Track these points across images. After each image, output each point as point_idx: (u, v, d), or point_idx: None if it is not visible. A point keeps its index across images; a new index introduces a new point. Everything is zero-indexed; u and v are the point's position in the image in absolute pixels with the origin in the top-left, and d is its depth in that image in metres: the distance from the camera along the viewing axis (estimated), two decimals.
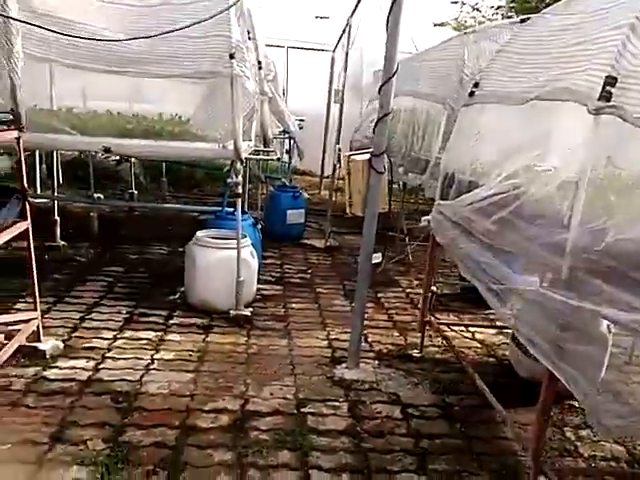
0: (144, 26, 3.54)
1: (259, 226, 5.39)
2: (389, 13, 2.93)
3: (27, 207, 2.96)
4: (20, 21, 2.79)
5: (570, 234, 2.03)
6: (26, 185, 2.95)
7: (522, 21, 4.01)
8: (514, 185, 2.57)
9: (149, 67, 3.61)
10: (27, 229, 2.99)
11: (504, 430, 3.00)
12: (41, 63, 3.75)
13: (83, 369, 3.20)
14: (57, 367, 3.20)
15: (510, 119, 2.92)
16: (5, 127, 2.82)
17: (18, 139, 2.89)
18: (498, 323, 4.49)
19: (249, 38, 4.10)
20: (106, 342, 3.59)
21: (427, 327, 3.86)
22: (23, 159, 2.98)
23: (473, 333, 4.32)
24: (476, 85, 3.30)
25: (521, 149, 2.74)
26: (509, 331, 4.09)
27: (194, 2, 3.54)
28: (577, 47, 2.39)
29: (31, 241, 3.06)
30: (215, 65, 3.59)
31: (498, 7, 13.51)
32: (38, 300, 3.23)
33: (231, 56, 3.53)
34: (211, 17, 2.70)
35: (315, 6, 11.82)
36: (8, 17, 2.68)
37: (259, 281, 4.68)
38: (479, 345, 4.13)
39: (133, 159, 7.01)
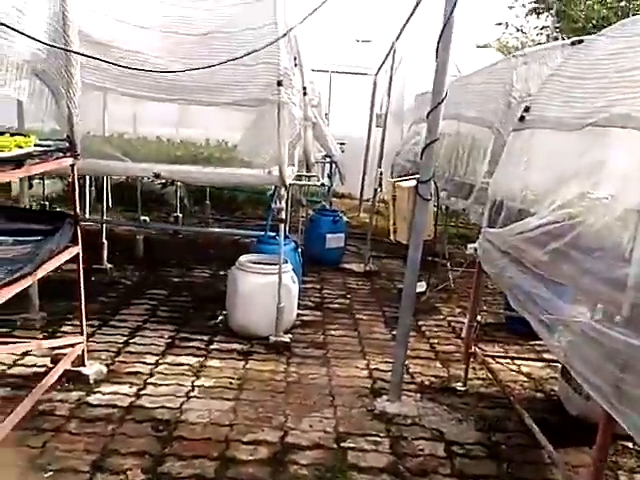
0: (196, 54, 3.62)
1: (300, 250, 5.37)
2: (439, 39, 2.89)
3: (78, 232, 3.02)
4: (81, 54, 2.88)
5: (632, 268, 1.91)
6: (78, 210, 3.02)
7: (573, 43, 3.90)
8: (569, 214, 2.46)
9: (200, 95, 3.68)
10: (78, 254, 3.04)
11: (554, 472, 2.85)
12: (96, 91, 3.86)
13: (125, 395, 3.21)
14: (100, 392, 3.22)
15: (563, 145, 2.81)
16: (61, 154, 2.89)
17: (73, 166, 2.97)
18: (546, 356, 4.31)
19: (295, 64, 4.14)
20: (148, 367, 3.60)
21: (471, 359, 3.73)
22: (76, 183, 3.07)
23: (519, 366, 4.15)
24: (527, 110, 3.21)
25: (575, 176, 2.63)
26: (558, 365, 3.91)
27: (244, 30, 3.60)
28: (636, 71, 2.29)
29: (81, 266, 3.12)
30: (263, 92, 3.63)
31: (542, 27, 13.34)
32: (85, 325, 3.27)
33: (279, 83, 3.57)
34: (263, 47, 2.72)
35: (356, 30, 11.95)
36: (70, 50, 2.76)
37: (299, 306, 4.64)
38: (526, 379, 3.96)
39: (178, 183, 7.15)
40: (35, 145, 2.77)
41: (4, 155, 2.44)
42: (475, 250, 3.42)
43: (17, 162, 2.53)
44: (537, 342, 4.50)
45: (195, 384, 3.43)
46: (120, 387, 3.30)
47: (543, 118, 2.99)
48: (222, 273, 5.86)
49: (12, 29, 2.35)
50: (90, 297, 4.22)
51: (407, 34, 5.95)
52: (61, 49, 2.76)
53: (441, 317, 5.17)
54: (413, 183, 3.42)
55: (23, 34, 2.44)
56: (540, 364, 4.18)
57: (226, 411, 3.14)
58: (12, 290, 2.43)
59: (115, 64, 2.94)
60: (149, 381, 3.42)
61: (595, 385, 2.05)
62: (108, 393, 3.22)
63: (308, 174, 5.49)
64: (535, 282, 2.66)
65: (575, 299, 2.71)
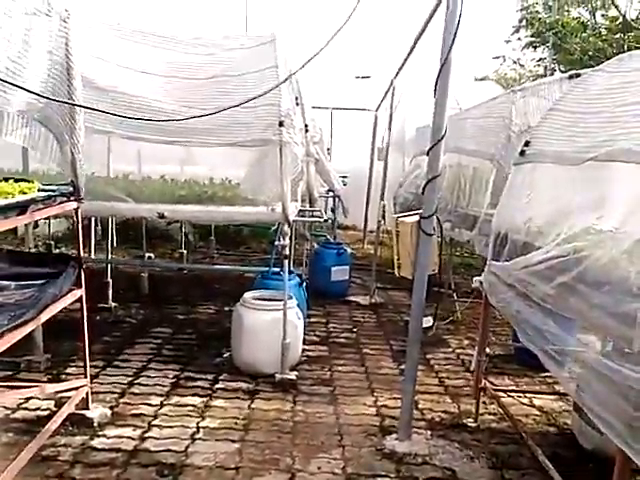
0: (198, 98, 3.70)
1: (304, 285, 5.35)
2: (437, 78, 2.94)
3: (82, 275, 3.02)
4: (84, 107, 2.93)
5: None
6: (82, 253, 3.03)
7: (570, 77, 3.98)
8: (574, 248, 2.45)
9: (202, 137, 3.74)
10: (81, 296, 3.04)
11: None
12: (99, 134, 3.93)
13: (129, 438, 3.16)
14: (104, 435, 3.17)
15: (565, 179, 2.83)
16: (65, 199, 2.92)
17: (77, 210, 3.00)
18: (558, 388, 4.23)
19: (297, 104, 4.21)
20: (153, 409, 3.55)
21: (482, 393, 3.66)
22: (80, 226, 3.09)
23: (531, 399, 4.07)
24: (527, 144, 3.24)
25: (579, 210, 2.63)
26: (570, 398, 3.84)
27: (245, 74, 3.67)
28: (636, 106, 2.32)
29: (84, 309, 3.11)
30: (265, 133, 3.68)
31: (540, 59, 13.59)
32: (88, 367, 3.24)
33: (280, 124, 3.63)
34: (266, 92, 2.77)
35: (356, 66, 12.20)
36: (75, 104, 2.82)
37: (304, 341, 4.61)
38: (538, 412, 3.88)
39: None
40: (39, 190, 2.80)
41: (8, 202, 2.47)
42: (481, 283, 3.41)
43: (21, 208, 2.56)
44: (548, 374, 4.43)
45: (200, 425, 3.37)
46: (124, 430, 3.25)
47: (544, 152, 3.01)
48: (227, 309, 5.84)
49: (13, 85, 2.40)
50: (94, 337, 4.20)
51: (406, 68, 6.05)
52: (64, 103, 2.81)
53: (449, 350, 5.11)
54: (416, 218, 3.42)
55: (25, 89, 2.49)
56: (552, 397, 4.10)
57: (232, 453, 3.07)
58: (15, 336, 2.42)
59: (120, 116, 3.00)
60: (153, 423, 3.36)
61: (607, 422, 2.01)
62: (112, 437, 3.17)
63: (312, 209, 5.53)
64: (542, 316, 2.63)
65: (583, 332, 2.69)
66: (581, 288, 2.32)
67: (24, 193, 2.66)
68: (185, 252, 7.67)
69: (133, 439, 3.15)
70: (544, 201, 3.04)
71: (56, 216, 6.37)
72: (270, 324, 4.07)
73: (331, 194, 7.34)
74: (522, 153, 3.25)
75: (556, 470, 2.79)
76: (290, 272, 4.66)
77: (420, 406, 3.81)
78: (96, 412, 3.30)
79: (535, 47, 12.66)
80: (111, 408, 3.48)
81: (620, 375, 1.91)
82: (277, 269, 4.83)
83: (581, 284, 2.33)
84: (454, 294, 6.17)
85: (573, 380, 2.38)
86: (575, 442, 3.34)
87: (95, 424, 3.25)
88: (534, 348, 2.65)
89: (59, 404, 3.24)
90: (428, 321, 3.51)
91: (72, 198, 3.00)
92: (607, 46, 10.04)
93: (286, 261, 4.15)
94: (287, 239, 4.13)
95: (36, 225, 6.53)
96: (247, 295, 4.31)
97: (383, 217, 6.77)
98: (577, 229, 2.51)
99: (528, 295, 2.76)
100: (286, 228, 4.08)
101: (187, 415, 3.50)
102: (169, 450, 3.06)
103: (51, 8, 2.81)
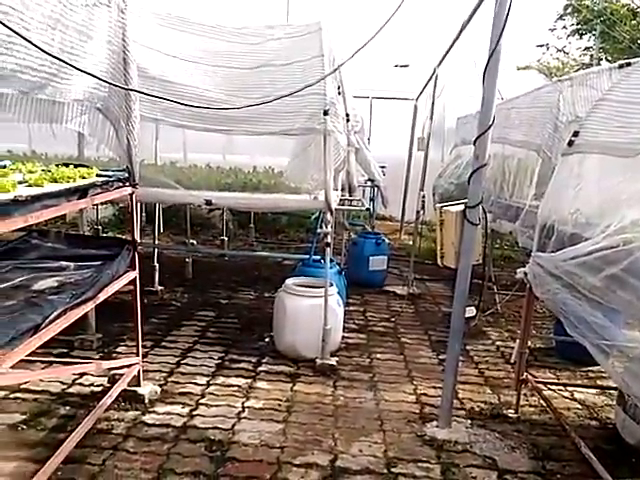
0: (245, 86, 3.77)
1: (343, 273, 5.41)
2: (486, 66, 2.93)
3: (136, 258, 3.16)
4: (142, 92, 3.05)
5: None
6: (137, 237, 3.16)
7: (621, 66, 3.87)
8: (625, 240, 2.43)
9: (248, 126, 3.81)
10: (135, 278, 3.18)
11: None
12: (148, 122, 4.05)
13: (179, 415, 3.30)
14: (155, 412, 3.31)
15: (615, 170, 2.79)
16: (121, 184, 3.05)
17: (132, 195, 3.12)
18: (600, 382, 4.19)
19: (339, 93, 4.24)
20: (199, 388, 3.68)
21: (522, 385, 3.66)
22: (135, 210, 3.22)
23: (572, 392, 4.03)
24: (576, 134, 3.20)
25: (629, 202, 2.60)
26: (613, 392, 3.79)
27: (291, 63, 3.73)
28: None
29: (138, 290, 3.25)
30: (310, 121, 3.73)
31: (586, 48, 13.18)
32: (140, 346, 3.39)
33: (325, 113, 3.67)
34: (315, 82, 2.82)
35: (394, 55, 12.10)
36: (132, 90, 2.93)
37: (343, 329, 4.67)
38: (579, 406, 3.84)
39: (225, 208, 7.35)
40: (97, 175, 2.93)
41: (70, 186, 2.59)
42: (525, 274, 3.39)
43: (82, 192, 2.69)
44: (590, 368, 4.38)
45: (245, 405, 3.49)
46: (173, 407, 3.39)
47: (593, 143, 2.97)
48: (267, 295, 5.98)
49: (82, 71, 2.51)
50: (143, 319, 4.36)
51: (449, 57, 5.99)
52: (124, 89, 2.92)
53: (489, 342, 5.09)
54: (460, 208, 3.43)
55: (89, 74, 2.60)
56: (594, 391, 4.06)
57: (276, 433, 3.17)
58: (76, 314, 2.56)
59: (175, 101, 3.08)
60: (201, 402, 3.49)
61: None
62: (162, 413, 3.31)
63: (351, 198, 5.56)
64: (590, 308, 2.62)
65: (628, 327, 2.67)
66: (630, 280, 2.31)
67: (84, 178, 2.80)
68: (226, 239, 7.83)
69: (182, 416, 3.29)
70: (592, 192, 3.01)
71: (110, 201, 6.62)
72: (311, 310, 4.15)
73: (371, 184, 7.34)
74: (570, 143, 3.21)
75: (598, 462, 2.78)
76: (331, 260, 4.72)
77: (460, 396, 3.83)
78: (147, 389, 3.44)
79: (581, 35, 12.28)
80: (160, 386, 3.62)
81: None
82: (317, 257, 4.90)
83: (630, 276, 2.31)
84: (494, 286, 6.12)
85: (621, 372, 2.38)
86: (618, 436, 3.30)
87: (146, 400, 3.39)
88: (582, 340, 2.64)
89: (112, 381, 3.41)
90: (471, 311, 3.51)
91: (127, 184, 3.12)
92: None
93: (328, 249, 4.20)
94: (329, 227, 4.18)
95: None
96: (289, 281, 4.40)
97: (422, 207, 6.74)
98: (627, 221, 2.49)
99: (575, 287, 2.75)
100: (328, 216, 4.13)
101: (232, 395, 3.61)
102: (216, 428, 3.18)
103: None
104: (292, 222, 9.50)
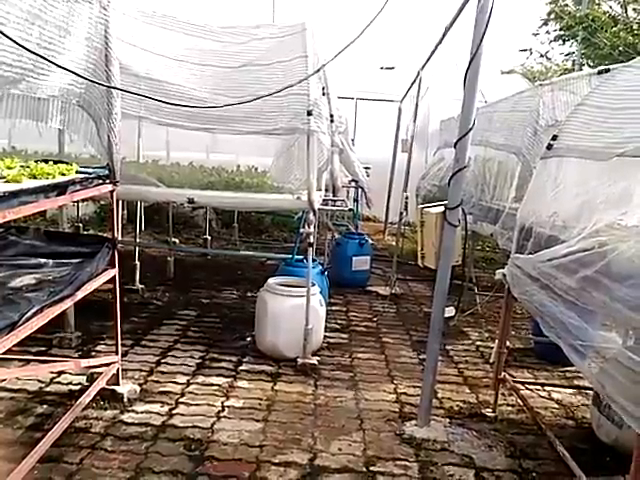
0: (229, 86, 3.77)
1: (326, 273, 5.43)
2: (467, 70, 2.97)
3: (116, 255, 3.14)
4: (122, 90, 3.04)
5: None
6: (117, 235, 3.14)
7: (600, 72, 3.95)
8: (599, 242, 2.48)
9: (232, 125, 3.81)
10: (115, 276, 3.16)
11: None
12: (131, 120, 4.03)
13: (158, 414, 3.28)
14: (134, 411, 3.29)
15: (592, 174, 2.84)
16: (101, 181, 3.03)
17: (112, 192, 3.10)
18: (577, 382, 4.26)
19: (323, 93, 4.26)
20: (179, 387, 3.67)
21: (501, 385, 3.71)
22: (115, 208, 3.20)
23: (549, 392, 4.10)
24: (554, 138, 3.25)
25: (605, 205, 2.65)
26: (589, 392, 3.86)
27: (275, 63, 3.73)
28: None
29: (117, 288, 3.23)
30: (293, 121, 3.74)
31: (568, 54, 13.38)
32: (120, 344, 3.37)
33: (309, 113, 3.68)
34: (298, 82, 2.83)
35: (380, 57, 12.17)
36: (113, 87, 2.91)
37: (325, 329, 4.68)
38: (556, 406, 3.91)
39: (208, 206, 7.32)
40: (77, 172, 2.91)
41: (49, 182, 2.57)
42: (504, 276, 3.44)
43: (61, 189, 2.66)
44: (567, 368, 4.45)
45: (225, 404, 3.48)
46: (153, 406, 3.37)
47: (571, 147, 3.02)
48: (249, 294, 5.97)
49: (59, 66, 2.49)
50: (123, 317, 4.34)
51: (434, 60, 6.04)
52: (105, 86, 2.91)
53: (469, 342, 5.14)
54: (441, 209, 3.46)
55: (66, 69, 2.58)
56: (570, 391, 4.13)
57: (256, 432, 3.18)
58: (54, 311, 2.53)
59: (157, 99, 3.08)
60: (181, 401, 3.48)
61: (629, 412, 2.05)
62: (141, 412, 3.29)
63: (335, 198, 5.58)
64: (566, 309, 2.66)
65: (603, 328, 2.71)
66: (604, 281, 2.36)
67: (63, 174, 2.77)
68: (209, 238, 7.80)
69: (161, 415, 3.27)
70: (570, 195, 3.06)
71: (91, 198, 6.56)
72: (293, 310, 4.16)
73: (354, 184, 7.37)
74: (549, 147, 3.26)
75: (573, 461, 2.83)
76: (313, 260, 4.73)
77: (439, 395, 3.87)
78: (126, 388, 3.42)
79: (564, 41, 12.46)
80: (140, 385, 3.60)
81: None
82: (300, 257, 4.91)
83: (605, 277, 2.36)
84: (475, 287, 6.19)
85: (595, 372, 2.42)
86: (593, 436, 3.36)
87: (125, 399, 3.37)
88: (557, 340, 2.68)
89: (91, 379, 3.38)
90: (450, 311, 3.55)
91: (108, 181, 3.10)
92: (638, 41, 9.84)
93: (310, 249, 4.22)
94: (312, 227, 4.19)
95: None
96: (271, 281, 4.40)
97: (405, 209, 6.78)
98: (602, 224, 2.54)
99: (552, 288, 2.80)
100: (311, 216, 4.14)
101: (212, 394, 3.61)
102: (196, 427, 3.17)
103: None
104: (276, 222, 9.50)
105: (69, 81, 2.79)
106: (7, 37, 1.99)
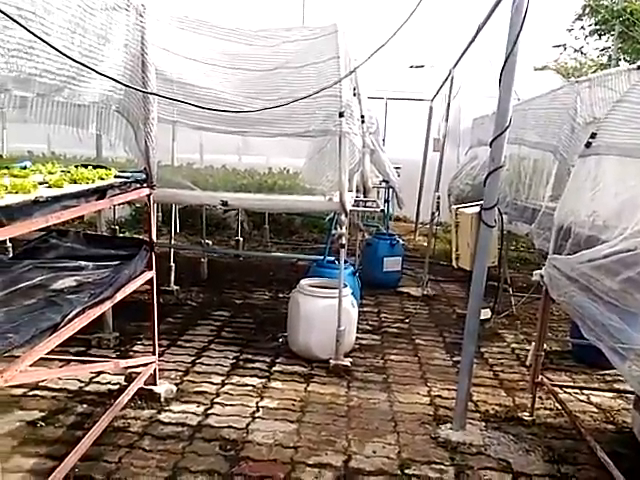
0: (262, 89, 3.80)
1: (357, 274, 5.42)
2: (502, 69, 2.92)
3: (153, 258, 3.20)
4: (159, 95, 3.10)
5: None
6: (154, 238, 3.20)
7: (639, 67, 3.84)
8: None
9: (264, 127, 3.84)
10: (152, 278, 3.22)
11: None
12: (166, 124, 4.09)
13: (194, 414, 3.33)
14: (170, 410, 3.36)
15: (633, 172, 2.76)
16: (139, 185, 3.09)
17: (149, 196, 3.17)
18: (617, 386, 4.14)
19: (354, 94, 4.25)
20: (215, 387, 3.72)
21: (538, 388, 3.63)
22: (153, 211, 3.26)
23: (588, 396, 4.00)
24: (593, 136, 3.17)
25: None
26: (630, 396, 3.75)
27: (307, 65, 3.74)
28: None
29: (154, 289, 3.29)
30: (325, 123, 3.74)
31: (604, 49, 13.03)
32: (157, 345, 3.43)
33: (340, 114, 3.68)
34: (332, 85, 2.83)
35: (409, 56, 12.09)
36: (151, 93, 2.97)
37: (357, 330, 4.67)
38: (596, 410, 3.81)
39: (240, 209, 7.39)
40: (115, 177, 2.98)
41: (89, 187, 2.63)
42: (541, 277, 3.37)
43: (101, 193, 2.73)
44: (607, 372, 4.34)
45: (259, 405, 3.51)
46: (189, 406, 3.42)
47: (611, 145, 2.94)
48: (281, 295, 6.01)
49: (100, 74, 2.55)
50: (159, 318, 4.41)
51: (463, 59, 5.97)
52: (143, 92, 2.97)
53: (504, 344, 5.06)
54: (476, 209, 3.42)
55: (107, 76, 2.64)
56: (610, 394, 4.03)
57: (290, 433, 3.19)
58: (95, 313, 2.60)
59: (191, 104, 3.13)
60: (216, 401, 3.53)
61: None
62: (178, 412, 3.35)
63: (366, 199, 5.56)
64: (607, 310, 2.60)
65: None
66: None
67: (102, 179, 2.84)
68: (241, 240, 7.88)
69: (197, 415, 3.32)
70: (610, 194, 2.98)
71: (128, 202, 6.71)
72: (325, 311, 4.16)
73: (386, 185, 7.33)
74: (588, 145, 3.18)
75: (615, 467, 2.76)
76: (345, 261, 4.73)
77: (474, 398, 3.81)
78: (163, 388, 3.48)
79: (600, 35, 12.14)
80: (176, 385, 3.66)
81: None
82: (331, 258, 4.92)
83: None
84: (510, 288, 6.08)
85: (637, 375, 2.35)
86: (634, 441, 3.27)
87: (162, 399, 3.43)
88: (597, 343, 2.62)
89: (128, 379, 3.45)
90: (486, 313, 3.50)
91: (145, 185, 3.17)
92: None
93: (342, 250, 4.21)
94: (344, 228, 4.19)
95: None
96: (303, 282, 4.41)
97: (437, 209, 6.71)
98: None
99: (592, 289, 2.73)
100: (343, 217, 4.14)
101: (247, 395, 3.64)
102: (231, 427, 3.21)
103: (130, 3, 2.96)
104: (306, 223, 9.53)
105: (109, 88, 2.86)
106: (52, 47, 2.04)
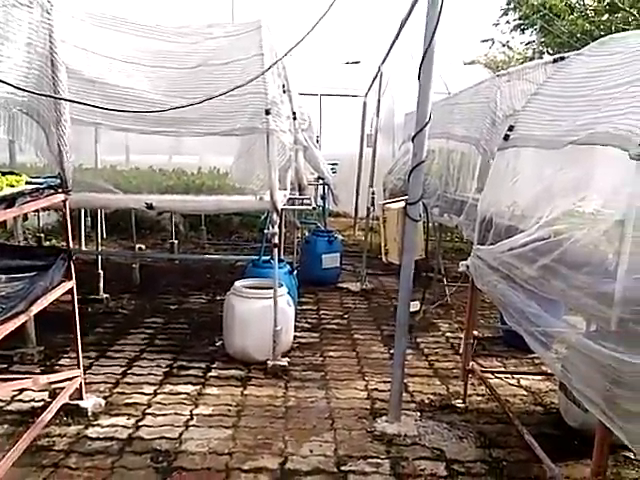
0: (184, 87, 3.69)
1: (295, 272, 5.39)
2: (421, 63, 2.95)
3: (72, 267, 3.04)
4: (68, 100, 2.94)
5: (617, 283, 1.95)
6: (71, 244, 3.05)
7: (555, 61, 4.00)
8: (556, 231, 2.50)
9: (189, 126, 3.73)
10: (72, 288, 3.07)
11: None
12: (86, 126, 3.91)
13: (124, 427, 3.20)
14: (99, 425, 3.21)
15: (548, 163, 2.86)
16: (52, 191, 2.92)
17: (64, 202, 3.00)
18: (544, 369, 4.32)
19: (284, 91, 4.21)
20: (146, 397, 3.59)
21: (470, 375, 3.73)
22: (69, 218, 3.10)
23: (518, 380, 4.15)
24: (511, 129, 3.27)
25: (561, 193, 2.68)
26: (556, 378, 3.92)
27: (231, 62, 3.67)
28: (617, 89, 2.34)
29: (75, 300, 3.13)
30: (252, 121, 3.68)
31: (528, 43, 13.57)
32: (81, 358, 3.27)
33: (267, 112, 3.63)
34: (251, 80, 2.78)
35: (344, 52, 12.16)
36: (59, 98, 2.81)
37: (295, 328, 4.66)
38: (525, 393, 3.96)
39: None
40: (27, 183, 2.80)
41: None
42: (467, 267, 3.45)
43: (9, 201, 2.56)
44: (535, 355, 4.50)
45: (194, 413, 3.42)
46: (118, 419, 3.29)
47: (527, 137, 3.04)
48: (219, 298, 5.89)
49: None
50: (87, 328, 4.24)
51: (394, 54, 6.05)
52: (49, 97, 2.81)
53: (439, 333, 5.18)
54: (402, 204, 3.46)
55: (5, 82, 2.48)
56: (539, 377, 4.19)
57: (225, 439, 3.13)
58: (7, 328, 2.44)
59: (106, 109, 2.99)
60: (147, 412, 3.40)
61: (589, 398, 2.08)
62: (107, 426, 3.21)
63: (301, 197, 5.54)
64: (526, 298, 2.69)
65: (570, 313, 2.74)
66: (562, 269, 2.38)
67: (12, 186, 2.67)
68: (176, 242, 7.68)
69: (127, 428, 3.19)
70: (527, 185, 3.08)
71: (45, 208, 6.37)
72: (261, 312, 4.11)
73: (321, 182, 7.34)
74: (506, 137, 3.28)
75: (542, 448, 2.86)
76: (280, 260, 4.69)
77: (410, 389, 3.88)
78: (90, 402, 3.33)
79: (523, 30, 12.62)
80: (105, 398, 3.51)
81: (600, 354, 1.97)
82: (267, 257, 4.86)
83: (562, 265, 2.38)
84: (444, 279, 6.23)
85: (558, 360, 2.44)
86: (561, 420, 3.42)
87: (89, 414, 3.28)
88: (519, 330, 2.70)
89: (53, 395, 3.27)
90: (415, 305, 3.56)
91: (60, 190, 3.00)
92: (594, 28, 10.02)
93: (276, 249, 4.17)
94: (276, 227, 4.15)
95: (26, 218, 6.51)
96: (238, 284, 4.34)
97: (372, 204, 6.79)
98: (559, 212, 2.56)
99: (512, 278, 2.82)
100: (275, 216, 4.09)
101: (181, 403, 3.54)
102: (163, 437, 3.10)
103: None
104: (245, 222, 9.41)
105: (8, 90, 2.68)
106: None
